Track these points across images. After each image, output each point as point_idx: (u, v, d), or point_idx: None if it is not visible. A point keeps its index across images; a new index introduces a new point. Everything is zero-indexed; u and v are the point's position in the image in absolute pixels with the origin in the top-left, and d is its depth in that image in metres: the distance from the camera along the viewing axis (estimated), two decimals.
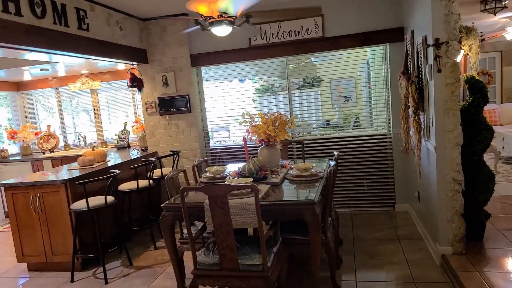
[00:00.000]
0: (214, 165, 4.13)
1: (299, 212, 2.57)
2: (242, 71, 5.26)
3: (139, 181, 4.07)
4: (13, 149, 6.16)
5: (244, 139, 3.51)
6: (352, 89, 5.17)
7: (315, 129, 5.27)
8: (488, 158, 3.79)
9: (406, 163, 4.48)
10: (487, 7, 3.77)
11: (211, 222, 2.38)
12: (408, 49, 3.88)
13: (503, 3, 3.72)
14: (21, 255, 3.71)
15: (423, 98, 3.39)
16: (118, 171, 3.58)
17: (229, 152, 5.17)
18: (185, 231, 3.06)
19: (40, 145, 6.04)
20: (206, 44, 4.80)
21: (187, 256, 3.07)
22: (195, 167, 3.59)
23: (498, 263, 2.98)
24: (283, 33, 4.54)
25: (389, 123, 4.58)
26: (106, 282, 3.36)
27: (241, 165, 3.36)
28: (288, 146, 4.58)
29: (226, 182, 2.88)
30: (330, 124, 5.50)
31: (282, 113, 3.51)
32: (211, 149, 5.21)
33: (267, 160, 3.37)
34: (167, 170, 4.64)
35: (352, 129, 5.31)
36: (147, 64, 4.99)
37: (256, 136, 3.44)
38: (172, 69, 4.95)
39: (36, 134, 6.06)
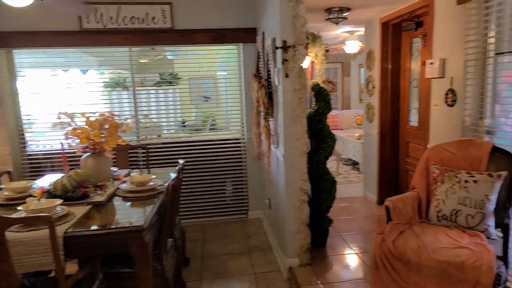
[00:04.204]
0: (25, 179, 3.17)
1: (123, 242, 2.01)
2: (77, 59, 4.31)
3: None
4: None
5: (62, 146, 2.72)
6: (212, 89, 4.85)
7: (171, 131, 4.73)
8: (331, 159, 3.94)
9: (259, 169, 4.36)
10: (330, 16, 3.90)
11: None
12: (259, 51, 3.71)
13: (344, 14, 3.90)
14: None
15: (272, 104, 3.24)
16: None
17: (58, 159, 4.13)
18: None
19: None
20: (18, 20, 3.69)
21: None
22: None
23: (340, 271, 3.02)
24: (123, 19, 3.82)
25: (243, 127, 4.38)
26: None
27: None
28: (130, 152, 3.90)
29: (20, 207, 2.09)
30: (185, 126, 5.05)
31: (116, 113, 2.86)
32: (30, 155, 4.08)
33: (93, 172, 2.68)
34: None
35: (209, 132, 4.97)
36: None
37: (79, 142, 2.71)
38: None
39: None
